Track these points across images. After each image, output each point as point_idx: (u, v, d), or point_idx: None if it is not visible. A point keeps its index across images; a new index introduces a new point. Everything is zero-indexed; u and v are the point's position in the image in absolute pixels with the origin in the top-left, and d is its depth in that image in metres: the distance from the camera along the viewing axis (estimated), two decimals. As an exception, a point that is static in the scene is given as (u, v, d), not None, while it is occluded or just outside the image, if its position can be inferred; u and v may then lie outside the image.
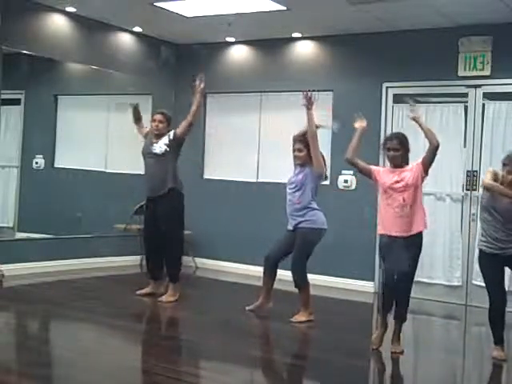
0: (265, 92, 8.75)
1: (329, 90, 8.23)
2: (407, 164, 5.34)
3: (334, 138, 8.02)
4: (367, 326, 6.51)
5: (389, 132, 7.80)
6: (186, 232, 8.95)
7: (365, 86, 7.98)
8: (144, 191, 6.81)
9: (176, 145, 6.58)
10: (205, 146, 9.28)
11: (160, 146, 6.56)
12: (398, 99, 7.82)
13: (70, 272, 7.91)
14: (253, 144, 8.81)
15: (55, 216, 8.53)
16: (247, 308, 6.27)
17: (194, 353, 5.23)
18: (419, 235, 5.21)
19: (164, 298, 6.58)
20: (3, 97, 7.51)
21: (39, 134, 8.80)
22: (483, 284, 7.32)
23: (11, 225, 8.54)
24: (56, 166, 8.91)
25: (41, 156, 8.72)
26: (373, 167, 5.44)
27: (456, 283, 7.39)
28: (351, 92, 8.07)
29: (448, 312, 7.23)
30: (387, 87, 7.87)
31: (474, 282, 7.30)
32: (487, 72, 7.30)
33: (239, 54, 8.97)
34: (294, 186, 6.08)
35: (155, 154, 6.57)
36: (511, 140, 7.19)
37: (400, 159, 5.28)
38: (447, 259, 7.49)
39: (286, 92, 8.55)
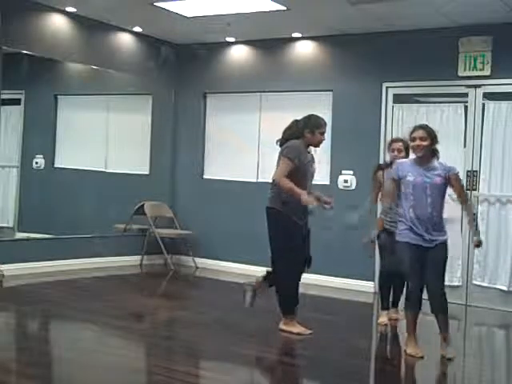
0: (264, 92, 8.75)
1: (328, 90, 8.23)
2: None
3: (333, 138, 8.02)
4: (367, 325, 6.52)
5: (389, 132, 7.81)
6: (186, 232, 9.02)
7: (365, 86, 7.98)
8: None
9: None
10: (205, 146, 9.28)
11: None
12: (398, 99, 7.83)
13: (70, 272, 7.90)
14: (253, 144, 8.80)
15: (55, 216, 8.53)
16: None
17: (193, 353, 5.23)
18: None
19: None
20: (3, 97, 7.50)
21: (39, 134, 8.80)
22: (483, 284, 7.37)
23: (11, 225, 8.54)
24: (56, 166, 8.91)
25: (41, 156, 8.72)
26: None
27: (456, 283, 7.39)
28: (351, 92, 8.07)
29: (448, 312, 7.20)
30: (387, 87, 7.86)
31: (474, 282, 7.32)
32: (487, 72, 7.29)
33: (239, 54, 8.97)
34: None
35: None
36: (511, 140, 7.20)
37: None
38: (447, 259, 7.47)
39: (285, 92, 8.56)
